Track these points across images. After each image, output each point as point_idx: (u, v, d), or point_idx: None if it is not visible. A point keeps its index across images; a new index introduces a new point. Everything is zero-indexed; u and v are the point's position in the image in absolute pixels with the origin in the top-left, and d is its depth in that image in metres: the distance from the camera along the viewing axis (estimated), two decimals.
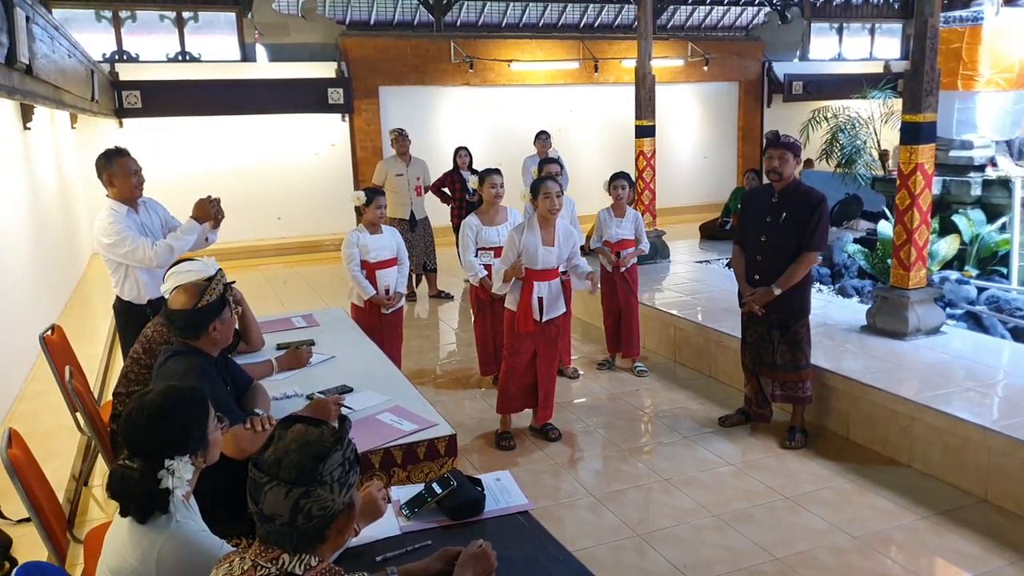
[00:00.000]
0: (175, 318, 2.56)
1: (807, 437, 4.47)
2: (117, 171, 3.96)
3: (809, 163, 13.90)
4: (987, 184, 6.50)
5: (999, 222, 6.29)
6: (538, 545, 2.08)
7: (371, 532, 2.09)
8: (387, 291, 4.88)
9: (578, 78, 13.14)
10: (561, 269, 4.59)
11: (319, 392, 3.10)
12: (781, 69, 14.72)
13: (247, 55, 11.89)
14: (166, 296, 2.72)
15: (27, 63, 3.71)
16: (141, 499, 1.72)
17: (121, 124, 10.66)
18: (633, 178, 6.68)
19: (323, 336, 4.03)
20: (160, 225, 4.22)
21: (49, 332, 3.96)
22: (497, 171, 5.30)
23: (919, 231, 4.98)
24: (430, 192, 8.38)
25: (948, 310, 5.61)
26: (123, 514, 1.74)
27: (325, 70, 11.62)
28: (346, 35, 11.99)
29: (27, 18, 3.72)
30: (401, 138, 8.11)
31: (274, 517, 1.45)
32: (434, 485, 2.27)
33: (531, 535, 2.13)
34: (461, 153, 8.42)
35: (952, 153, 6.75)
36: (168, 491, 1.71)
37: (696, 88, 14.21)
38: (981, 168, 6.64)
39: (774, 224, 4.27)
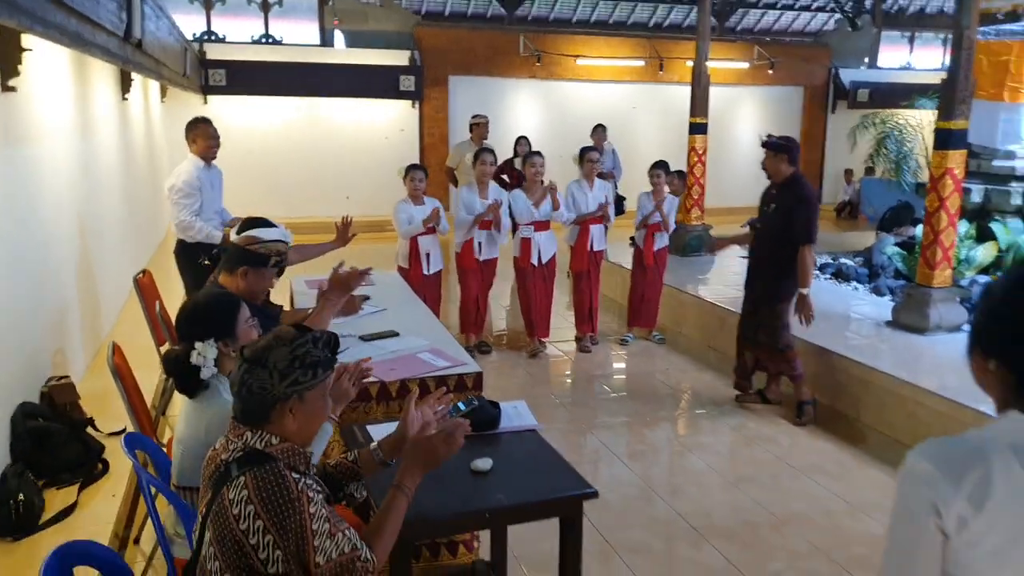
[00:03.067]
0: (230, 250, 3.12)
1: (815, 408, 4.79)
2: (200, 133, 5.05)
3: (849, 173, 13.84)
4: None
5: None
6: (540, 455, 2.48)
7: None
8: (427, 255, 5.69)
9: (643, 76, 13.42)
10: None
11: (365, 335, 3.55)
12: (848, 76, 14.69)
13: (326, 40, 12.54)
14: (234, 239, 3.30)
15: (139, 38, 4.28)
16: (181, 375, 2.27)
17: (206, 100, 11.42)
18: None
19: (377, 293, 4.50)
20: (219, 186, 5.26)
21: (141, 275, 4.55)
22: (538, 153, 6.02)
23: (946, 232, 5.19)
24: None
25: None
26: (178, 390, 2.29)
27: (399, 58, 12.19)
28: (421, 25, 12.52)
29: None
30: (482, 124, 8.54)
31: (236, 394, 1.74)
32: (460, 404, 2.70)
33: (536, 447, 2.54)
34: (521, 142, 8.86)
35: (996, 163, 6.87)
36: (197, 367, 2.22)
37: (760, 91, 14.31)
38: (1022, 178, 6.75)
39: (767, 213, 4.78)
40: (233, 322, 2.34)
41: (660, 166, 6.31)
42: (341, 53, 12.31)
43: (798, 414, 4.78)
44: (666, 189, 6.31)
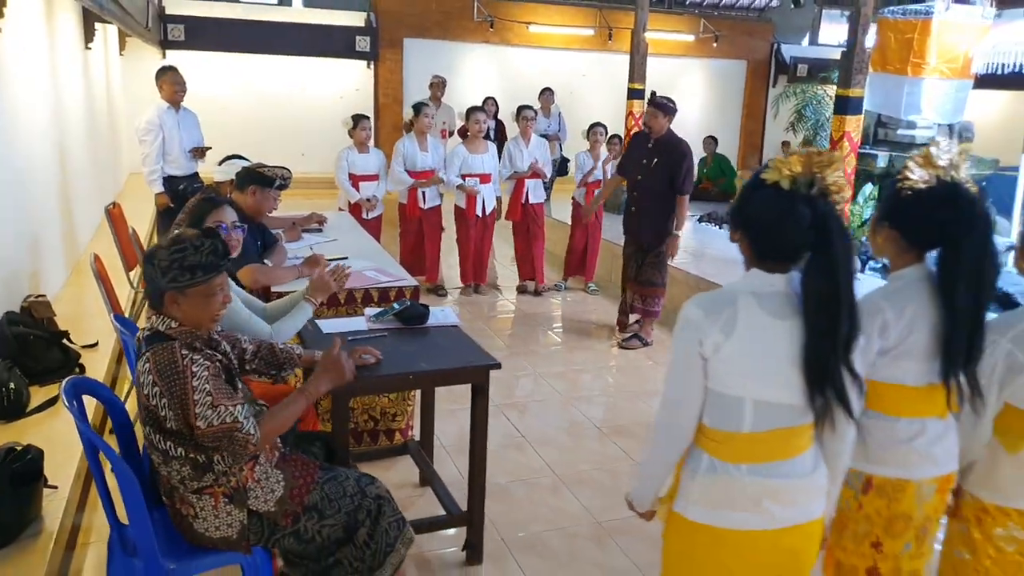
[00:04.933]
0: (241, 171, 3.61)
1: (644, 344, 5.57)
2: (167, 80, 5.73)
3: (786, 144, 14.60)
4: None
5: None
6: (459, 342, 3.03)
7: (347, 327, 3.06)
8: (368, 199, 6.23)
9: (592, 44, 13.90)
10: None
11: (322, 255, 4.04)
12: (789, 51, 15.36)
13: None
14: (216, 175, 3.81)
15: None
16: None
17: (164, 55, 11.57)
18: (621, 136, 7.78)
19: (331, 228, 4.99)
20: (194, 128, 5.87)
21: (112, 206, 4.97)
22: (481, 109, 6.47)
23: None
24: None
25: (870, 263, 6.48)
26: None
27: (355, 19, 12.46)
28: None
29: None
30: (438, 84, 9.09)
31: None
32: (395, 304, 3.23)
33: (455, 337, 3.08)
34: (488, 102, 9.37)
35: (900, 132, 7.57)
36: None
37: (705, 63, 14.90)
38: (922, 146, 7.43)
39: (648, 167, 5.32)
40: (204, 218, 2.78)
41: (598, 126, 6.84)
42: (298, 12, 12.53)
43: (626, 340, 5.60)
44: (603, 149, 6.84)
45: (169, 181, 5.66)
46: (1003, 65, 6.83)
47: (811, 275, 1.58)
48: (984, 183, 7.58)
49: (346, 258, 4.09)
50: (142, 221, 7.12)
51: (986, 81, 7.65)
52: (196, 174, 5.89)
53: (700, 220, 8.61)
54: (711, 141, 10.49)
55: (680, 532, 1.75)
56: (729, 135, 15.40)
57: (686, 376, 1.68)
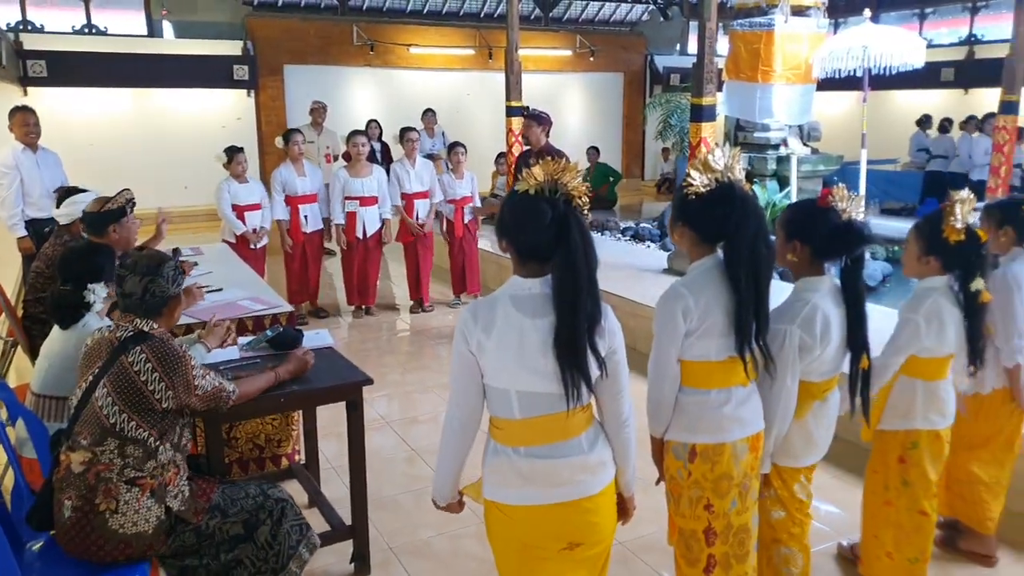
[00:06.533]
0: (86, 218, 3.51)
1: None
2: (16, 121, 5.60)
3: (666, 151, 15.34)
4: (780, 160, 7.91)
5: (787, 190, 7.68)
6: (333, 362, 3.13)
7: (218, 357, 3.10)
8: (253, 230, 6.21)
9: (474, 64, 14.19)
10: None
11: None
12: (661, 62, 16.10)
13: (154, 31, 12.43)
14: (60, 219, 3.86)
15: None
16: (70, 310, 2.83)
17: (26, 92, 11.08)
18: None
19: (207, 261, 4.97)
20: (56, 167, 5.76)
21: None
22: (362, 132, 6.51)
23: None
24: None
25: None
26: (56, 321, 2.83)
27: (231, 48, 12.29)
28: (252, 15, 12.66)
29: None
30: (318, 110, 9.18)
31: (131, 295, 2.41)
32: (268, 331, 3.30)
33: (330, 358, 3.18)
34: (371, 125, 9.46)
35: (756, 134, 8.13)
36: (90, 304, 2.81)
37: (584, 77, 15.44)
38: (776, 147, 8.05)
39: None
40: (112, 267, 2.85)
41: (458, 145, 6.98)
42: (170, 43, 12.27)
43: None
44: (465, 169, 6.96)
45: (32, 224, 5.51)
46: (839, 70, 7.44)
47: (556, 267, 1.78)
48: (835, 177, 8.23)
49: (220, 289, 4.14)
50: (5, 266, 6.82)
51: (827, 84, 8.32)
52: None
53: None
54: (593, 151, 10.96)
55: (486, 511, 1.98)
56: (611, 145, 15.98)
57: (461, 373, 1.89)
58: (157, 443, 2.36)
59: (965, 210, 2.52)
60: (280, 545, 2.44)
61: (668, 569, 2.48)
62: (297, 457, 3.85)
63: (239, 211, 6.16)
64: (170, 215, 5.05)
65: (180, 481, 2.40)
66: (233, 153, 6.16)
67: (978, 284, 2.54)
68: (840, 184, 2.37)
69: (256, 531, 2.43)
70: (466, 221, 6.82)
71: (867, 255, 2.45)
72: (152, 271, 2.43)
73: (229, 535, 2.40)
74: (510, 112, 8.99)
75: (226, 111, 12.49)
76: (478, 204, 6.94)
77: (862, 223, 2.29)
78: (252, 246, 6.17)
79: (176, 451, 2.42)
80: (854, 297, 2.34)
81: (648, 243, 7.94)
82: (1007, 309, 2.84)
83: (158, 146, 11.96)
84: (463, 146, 6.98)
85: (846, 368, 2.45)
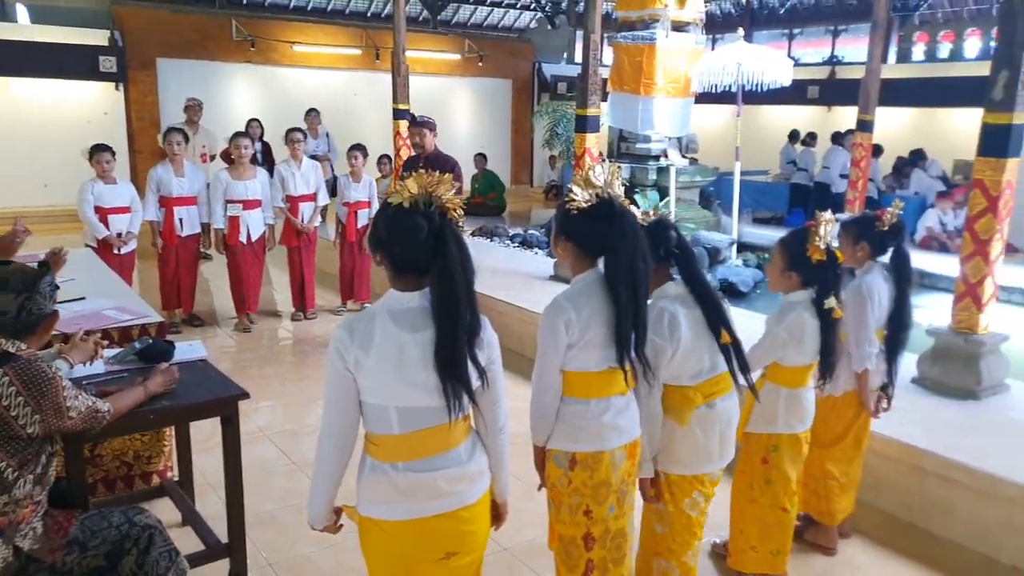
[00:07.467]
0: None
1: None
2: None
3: (553, 159, 15.60)
4: (660, 171, 8.21)
5: (666, 199, 7.99)
6: (207, 375, 3.00)
7: (80, 372, 2.90)
8: (118, 234, 5.87)
9: (360, 64, 13.97)
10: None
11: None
12: (549, 70, 16.39)
13: (5, 14, 11.54)
14: None
15: None
16: None
17: None
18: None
19: (68, 267, 4.64)
20: None
21: None
22: (245, 134, 6.27)
23: None
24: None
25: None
26: None
27: (97, 37, 11.57)
28: (119, 3, 11.95)
29: None
30: (193, 107, 8.80)
31: (5, 313, 2.21)
32: (136, 344, 3.12)
33: (203, 371, 3.05)
34: (252, 124, 9.10)
35: (638, 145, 8.41)
36: None
37: (472, 82, 15.49)
38: (657, 158, 8.36)
39: None
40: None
41: (357, 148, 6.82)
42: (25, 29, 11.41)
43: None
44: (363, 172, 6.86)
45: None
46: (715, 85, 7.80)
47: (435, 281, 1.78)
48: (711, 188, 8.64)
49: (83, 298, 3.88)
50: None
51: (704, 98, 8.71)
52: None
53: (472, 234, 9.01)
54: (481, 158, 11.01)
55: (361, 528, 1.94)
56: (500, 152, 16.09)
57: (337, 391, 1.85)
58: (16, 474, 2.18)
59: (828, 231, 2.70)
60: (148, 575, 2.32)
61: (551, 573, 2.51)
62: (170, 474, 3.66)
63: (103, 213, 5.79)
64: (24, 220, 4.67)
65: (34, 518, 2.24)
66: (94, 152, 5.76)
67: (831, 302, 2.72)
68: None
69: (120, 562, 2.31)
70: (359, 226, 6.70)
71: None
72: (28, 288, 2.26)
73: (89, 569, 2.27)
74: (397, 115, 8.92)
75: (92, 105, 11.74)
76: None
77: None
78: (116, 251, 5.83)
79: (36, 485, 2.24)
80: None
81: (536, 250, 8.07)
82: (860, 318, 3.06)
83: (13, 141, 11.11)
84: (362, 149, 6.85)
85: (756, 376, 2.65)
